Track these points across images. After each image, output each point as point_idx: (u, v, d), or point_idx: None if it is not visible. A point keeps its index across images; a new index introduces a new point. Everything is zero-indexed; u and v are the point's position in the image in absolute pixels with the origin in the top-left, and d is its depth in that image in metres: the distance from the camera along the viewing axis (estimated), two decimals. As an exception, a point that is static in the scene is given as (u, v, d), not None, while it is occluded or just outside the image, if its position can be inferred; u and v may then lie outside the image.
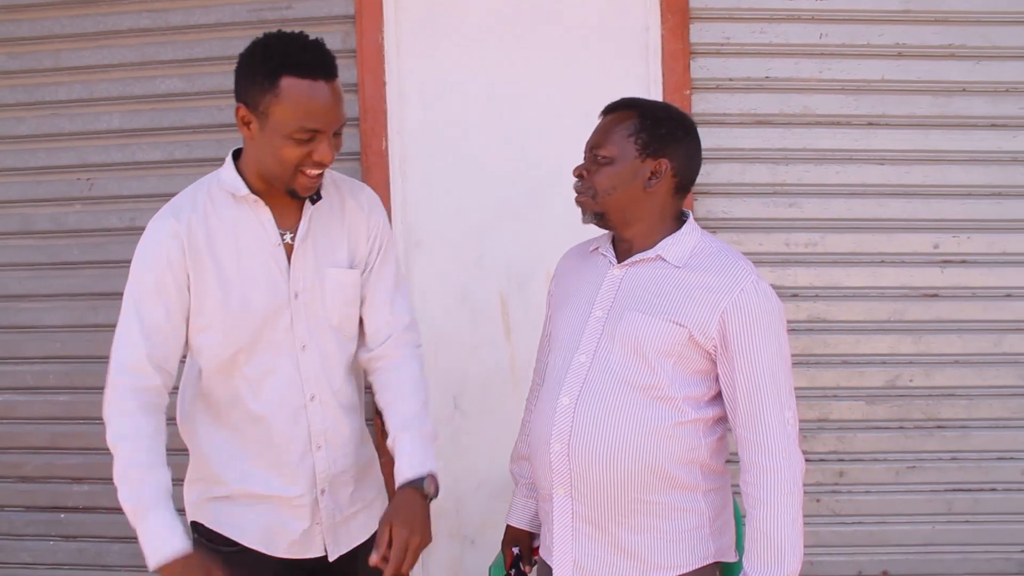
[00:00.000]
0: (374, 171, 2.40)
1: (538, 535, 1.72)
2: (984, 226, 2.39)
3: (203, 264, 1.52)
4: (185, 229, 1.52)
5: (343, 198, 1.64)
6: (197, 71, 2.45)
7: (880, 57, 2.35)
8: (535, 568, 1.76)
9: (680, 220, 1.59)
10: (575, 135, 1.62)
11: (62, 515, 2.58)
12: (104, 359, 2.47)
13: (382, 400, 1.68)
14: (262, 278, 1.54)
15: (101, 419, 2.54)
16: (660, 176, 1.52)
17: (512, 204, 2.41)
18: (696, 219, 2.31)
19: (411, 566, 1.49)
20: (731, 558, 1.57)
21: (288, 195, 1.53)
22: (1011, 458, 2.43)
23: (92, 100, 2.48)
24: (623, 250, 1.58)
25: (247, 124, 1.48)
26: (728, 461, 1.57)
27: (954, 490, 2.44)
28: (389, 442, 1.64)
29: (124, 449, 1.48)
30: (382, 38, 2.38)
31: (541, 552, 1.66)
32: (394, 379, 1.67)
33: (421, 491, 1.54)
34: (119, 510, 2.24)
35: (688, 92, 2.35)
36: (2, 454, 2.60)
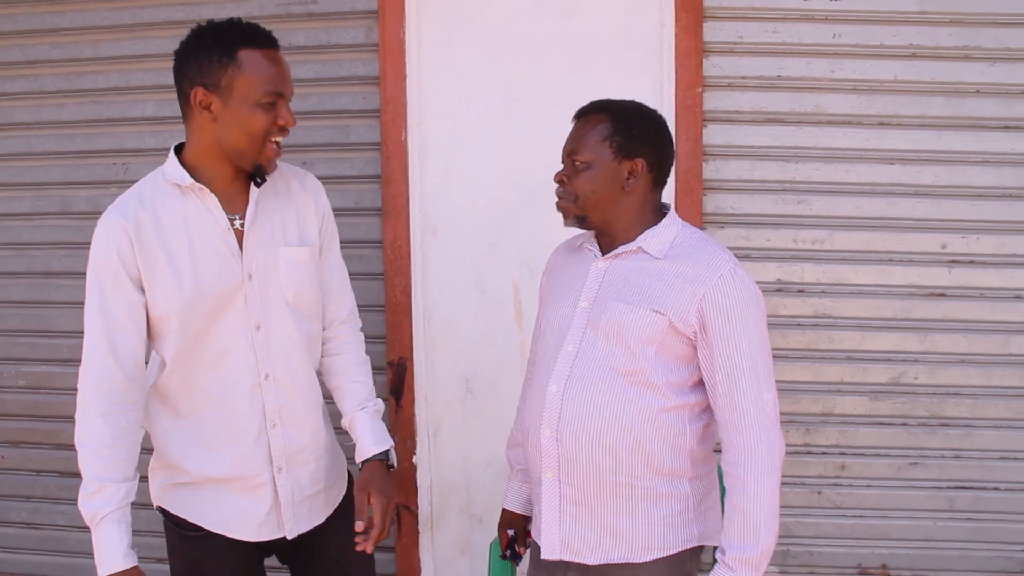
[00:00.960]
0: (393, 161, 2.47)
1: (531, 518, 1.78)
2: (994, 227, 2.38)
3: (154, 255, 1.53)
4: (133, 224, 1.53)
5: (287, 181, 1.68)
6: (228, 62, 2.53)
7: (893, 58, 2.34)
8: (528, 549, 1.83)
9: (660, 213, 1.64)
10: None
11: (94, 481, 2.70)
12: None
13: (332, 381, 1.77)
14: (215, 262, 1.56)
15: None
16: (637, 175, 1.57)
17: (525, 195, 2.45)
18: (706, 214, 2.40)
19: (388, 528, 1.63)
20: (716, 541, 1.61)
21: (253, 172, 1.57)
22: (1014, 458, 2.43)
23: (128, 89, 2.57)
24: (606, 244, 1.64)
25: (207, 107, 1.51)
26: (716, 450, 1.61)
27: (956, 487, 2.45)
28: (345, 421, 1.75)
29: (83, 456, 1.54)
30: (404, 33, 2.44)
31: (532, 533, 1.73)
32: (344, 362, 1.76)
33: (386, 463, 1.70)
34: (146, 478, 2.36)
35: (700, 90, 2.38)
36: (40, 422, 2.71)
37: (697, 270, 1.53)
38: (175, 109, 2.50)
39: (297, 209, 1.66)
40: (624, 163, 1.57)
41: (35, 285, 2.68)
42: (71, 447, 2.64)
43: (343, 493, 1.79)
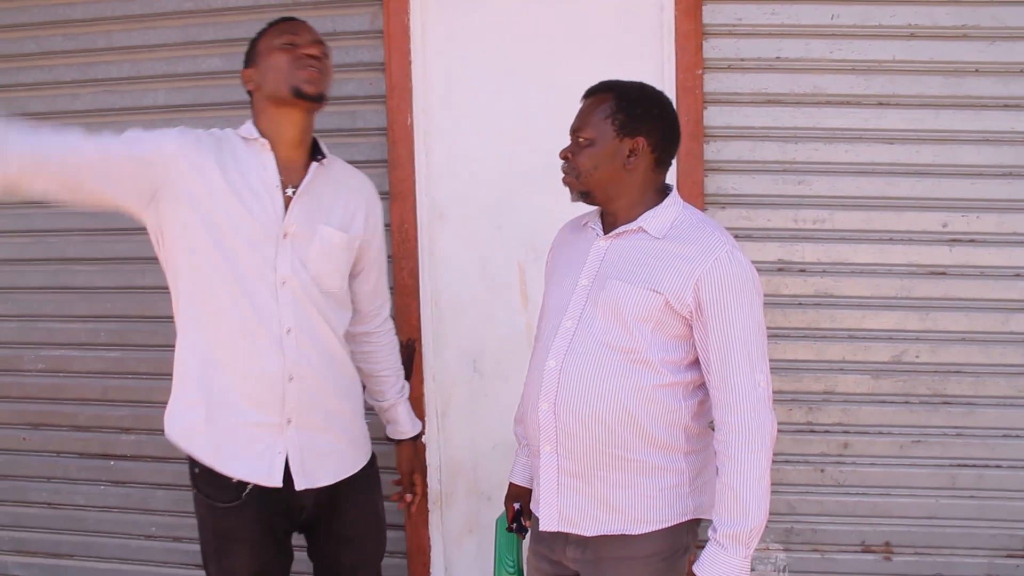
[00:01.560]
0: (400, 146, 2.50)
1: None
2: (994, 206, 2.37)
3: (209, 170, 1.67)
4: (208, 142, 1.71)
5: (348, 176, 1.86)
6: (237, 50, 2.49)
7: (891, 38, 2.34)
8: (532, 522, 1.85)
9: (663, 193, 1.66)
10: (590, 111, 1.69)
11: (111, 462, 2.76)
12: (152, 319, 2.66)
13: (375, 368, 1.97)
14: (257, 209, 1.69)
15: (148, 374, 2.71)
16: (638, 153, 1.60)
17: (530, 178, 2.48)
18: (706, 195, 2.42)
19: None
20: (710, 515, 1.63)
21: (296, 97, 1.68)
22: (1016, 436, 2.43)
23: (140, 78, 2.61)
24: (609, 223, 1.67)
25: (252, 79, 1.75)
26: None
27: (959, 465, 2.45)
28: (387, 405, 2.01)
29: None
30: (408, 20, 2.46)
31: (531, 505, 1.75)
32: (383, 355, 1.99)
33: (419, 443, 2.07)
34: (164, 459, 2.43)
35: (700, 72, 2.39)
36: (59, 404, 2.77)
37: (694, 251, 1.56)
38: (185, 97, 2.62)
39: (348, 200, 1.81)
40: (625, 141, 1.59)
41: (52, 271, 2.74)
42: (90, 428, 2.77)
43: (361, 464, 1.87)
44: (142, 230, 2.65)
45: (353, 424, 1.86)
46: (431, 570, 2.62)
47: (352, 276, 1.88)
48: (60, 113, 2.67)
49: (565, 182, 1.66)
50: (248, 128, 1.75)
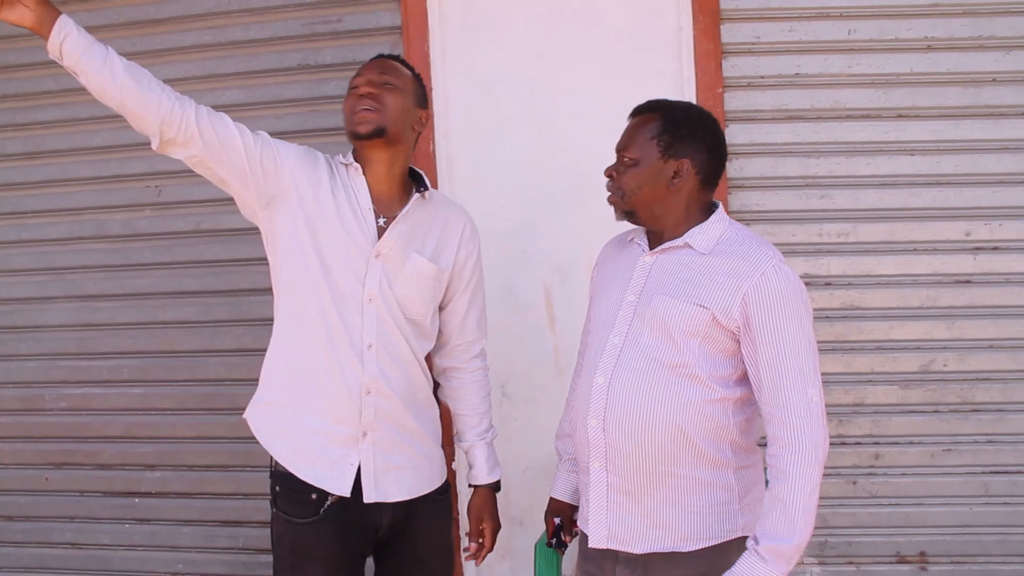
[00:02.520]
0: (424, 173, 2.46)
1: (578, 507, 1.77)
2: (1016, 213, 2.37)
3: (316, 192, 1.73)
4: (321, 161, 1.78)
5: (448, 212, 1.88)
6: (256, 83, 2.54)
7: (909, 51, 2.34)
8: (575, 539, 1.82)
9: (709, 211, 1.63)
10: (613, 133, 1.66)
11: (136, 500, 2.70)
12: (173, 354, 2.61)
13: (457, 406, 1.95)
14: (354, 227, 1.74)
15: (171, 410, 2.65)
16: (682, 175, 1.58)
17: (553, 200, 2.45)
18: (731, 212, 2.40)
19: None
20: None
21: (356, 139, 1.75)
22: (1047, 440, 2.41)
23: (160, 112, 2.58)
24: (655, 240, 1.64)
25: None
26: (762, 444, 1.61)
27: (991, 472, 2.42)
28: (464, 446, 1.95)
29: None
30: (428, 47, 2.45)
31: (579, 522, 1.72)
32: (471, 392, 1.95)
33: (495, 491, 1.95)
34: (189, 495, 2.36)
35: (720, 90, 2.38)
36: (81, 443, 2.72)
37: (741, 266, 1.53)
38: (205, 130, 2.57)
39: (443, 233, 1.84)
40: (670, 162, 1.57)
41: (73, 308, 2.69)
42: (113, 467, 2.70)
43: (436, 485, 1.87)
44: (162, 264, 2.67)
45: (427, 445, 1.86)
46: (464, 597, 2.57)
47: (441, 307, 1.89)
48: (78, 150, 2.64)
49: (610, 201, 1.64)
50: (347, 155, 1.81)
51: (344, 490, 1.73)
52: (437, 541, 1.90)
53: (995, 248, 2.38)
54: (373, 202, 1.76)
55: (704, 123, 1.61)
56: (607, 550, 1.62)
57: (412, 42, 2.44)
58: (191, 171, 2.54)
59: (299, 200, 1.72)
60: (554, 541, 1.84)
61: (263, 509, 1.81)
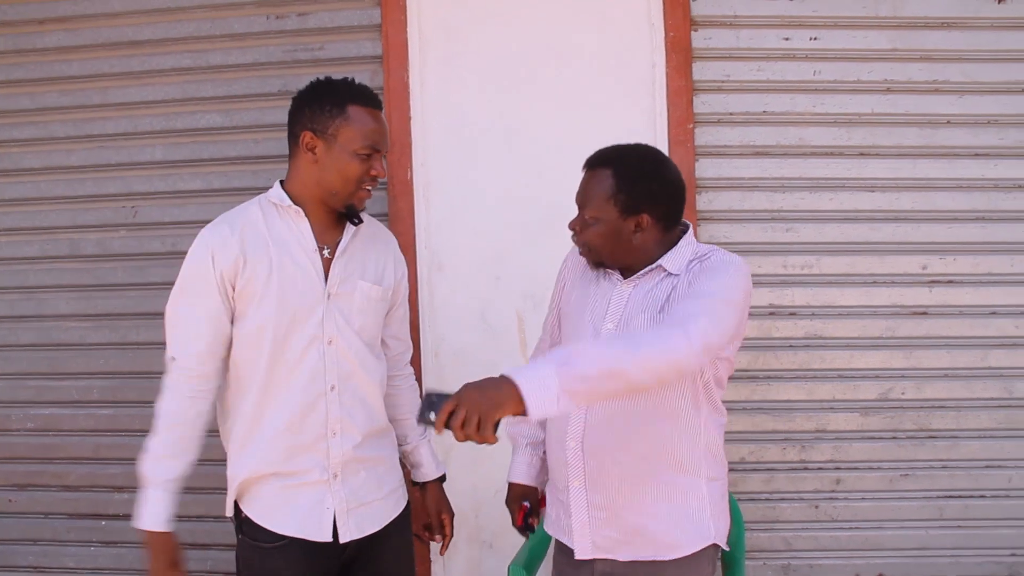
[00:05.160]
0: (400, 199, 2.42)
1: (540, 488, 1.81)
2: (969, 248, 2.40)
3: (254, 263, 1.63)
4: (238, 236, 1.64)
5: (375, 230, 1.82)
6: (235, 107, 2.47)
7: (869, 92, 2.37)
8: (541, 521, 1.83)
9: (679, 234, 1.62)
10: (586, 165, 1.64)
11: (103, 522, 2.58)
12: (145, 375, 2.50)
13: (396, 412, 1.90)
14: (300, 277, 1.66)
15: (142, 431, 2.53)
16: (644, 227, 1.57)
17: (527, 229, 2.42)
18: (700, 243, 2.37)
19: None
20: (724, 545, 1.63)
21: (343, 210, 1.67)
22: (999, 466, 2.42)
23: (137, 134, 2.50)
24: (627, 270, 1.63)
25: (311, 149, 1.64)
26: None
27: (945, 497, 2.43)
28: (409, 448, 1.91)
29: (161, 426, 1.63)
30: (407, 77, 2.41)
31: (555, 534, 1.70)
32: (408, 398, 1.93)
33: (442, 483, 1.95)
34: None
35: (691, 126, 2.37)
36: (48, 464, 2.59)
37: (707, 268, 1.54)
38: (183, 153, 2.50)
39: (380, 255, 1.79)
40: (629, 219, 1.56)
41: (44, 328, 2.58)
42: (79, 488, 2.58)
43: (401, 509, 1.83)
44: (136, 285, 2.56)
45: (391, 473, 1.83)
46: (435, 620, 2.48)
47: None
48: (54, 168, 2.54)
49: (580, 253, 1.64)
50: (279, 194, 1.69)
51: (325, 536, 1.68)
52: (401, 556, 1.86)
53: (950, 281, 2.40)
54: (315, 236, 1.68)
55: (658, 175, 1.58)
56: (589, 559, 1.62)
57: (392, 71, 2.40)
58: (167, 192, 2.53)
59: (241, 292, 1.63)
60: (523, 525, 1.82)
61: (232, 532, 1.73)
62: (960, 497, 2.42)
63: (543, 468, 1.83)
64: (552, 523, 1.71)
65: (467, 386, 1.31)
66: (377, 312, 1.76)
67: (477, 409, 1.27)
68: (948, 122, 2.37)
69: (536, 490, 1.82)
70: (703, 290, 1.48)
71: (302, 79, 2.40)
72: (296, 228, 1.67)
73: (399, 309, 1.86)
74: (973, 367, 2.41)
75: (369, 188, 1.67)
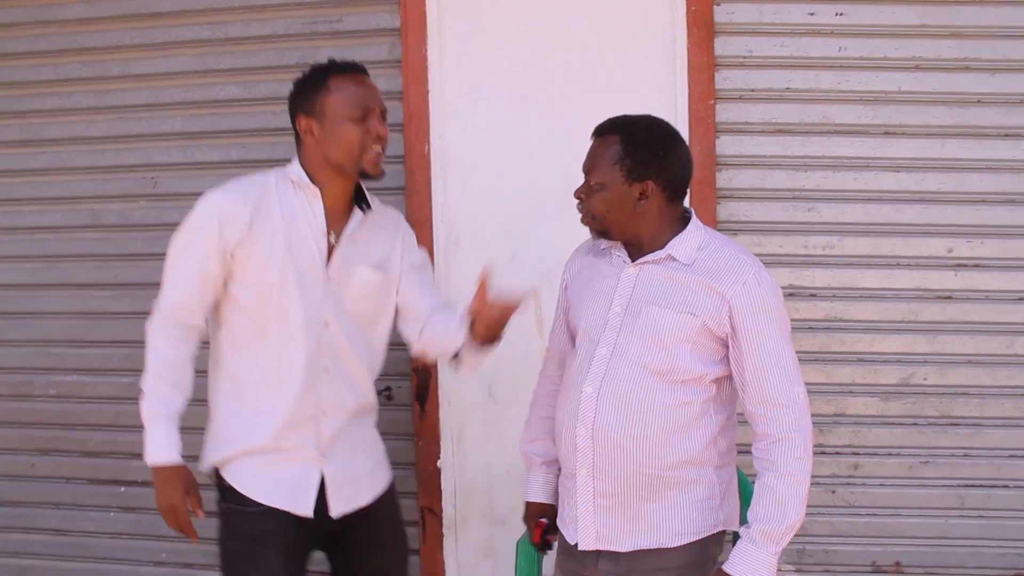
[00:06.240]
0: (417, 173, 2.39)
1: (557, 507, 1.76)
2: (997, 232, 2.30)
3: (260, 237, 1.63)
4: (250, 208, 1.63)
5: (383, 216, 1.81)
6: (254, 79, 2.45)
7: (897, 70, 2.28)
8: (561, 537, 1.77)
9: (684, 219, 1.60)
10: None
11: (122, 488, 2.59)
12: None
13: (432, 335, 1.78)
14: (305, 258, 1.65)
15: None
16: (648, 195, 1.54)
17: (544, 205, 2.38)
18: (719, 222, 2.34)
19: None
20: (735, 527, 1.61)
21: (359, 179, 1.66)
22: (1022, 456, 2.34)
23: (157, 105, 2.49)
24: (633, 251, 1.61)
25: (309, 131, 1.65)
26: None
27: (967, 486, 2.35)
28: (462, 318, 1.71)
29: (155, 364, 1.66)
30: (426, 50, 2.37)
31: (560, 525, 1.69)
32: (441, 319, 1.79)
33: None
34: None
35: (712, 102, 2.30)
36: (69, 430, 2.61)
37: (724, 275, 1.53)
38: (203, 124, 2.49)
39: (384, 240, 1.78)
40: (635, 185, 1.54)
41: (65, 296, 2.59)
42: (100, 455, 2.59)
43: (387, 482, 1.84)
44: (155, 255, 2.54)
45: (376, 446, 1.85)
46: (445, 594, 2.47)
47: (404, 313, 1.83)
48: (75, 139, 2.54)
49: (583, 222, 1.62)
50: (298, 171, 1.69)
51: (307, 511, 1.68)
52: (393, 527, 1.87)
53: (976, 265, 2.32)
54: (326, 218, 1.69)
55: (664, 142, 1.56)
56: (592, 550, 1.60)
57: (410, 44, 2.36)
58: (186, 163, 2.51)
59: (241, 254, 1.64)
60: (540, 543, 1.81)
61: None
62: (982, 486, 2.34)
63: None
64: (558, 516, 1.70)
65: None
66: (376, 297, 1.75)
67: None
68: (978, 101, 2.28)
69: (553, 507, 1.79)
70: (767, 355, 1.50)
71: (321, 51, 2.42)
72: (310, 208, 1.68)
73: (417, 287, 1.80)
74: (998, 354, 2.32)
75: (377, 150, 1.65)
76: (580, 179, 2.39)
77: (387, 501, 1.84)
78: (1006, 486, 2.34)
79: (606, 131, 1.58)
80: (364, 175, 1.67)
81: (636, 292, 1.57)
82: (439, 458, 2.45)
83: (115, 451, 2.59)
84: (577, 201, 1.60)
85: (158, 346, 1.67)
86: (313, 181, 1.67)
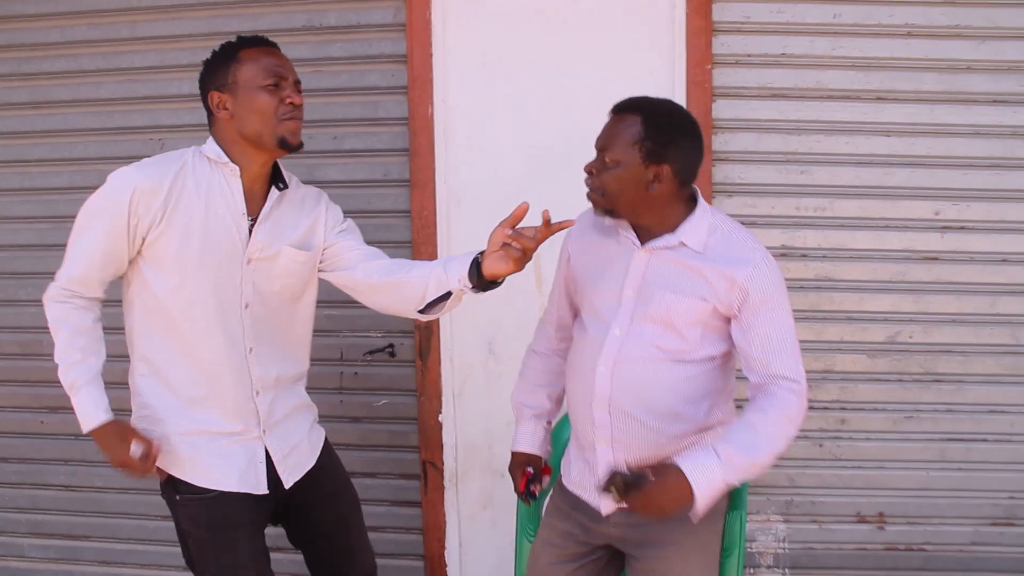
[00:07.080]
0: (420, 136, 2.42)
1: (543, 457, 1.83)
2: (983, 195, 2.37)
3: (176, 220, 1.58)
4: (165, 188, 1.57)
5: (301, 196, 1.76)
6: (261, 42, 2.46)
7: (890, 36, 2.33)
8: (543, 488, 1.85)
9: (692, 200, 1.62)
10: (605, 105, 1.62)
11: (131, 444, 2.63)
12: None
13: (393, 277, 1.71)
14: (223, 240, 1.62)
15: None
16: (662, 179, 1.54)
17: (545, 167, 2.42)
18: (714, 184, 2.38)
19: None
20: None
21: (278, 149, 1.60)
22: (1002, 411, 2.42)
23: (165, 67, 2.50)
24: (642, 233, 1.61)
25: (223, 106, 1.62)
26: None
27: (948, 439, 2.44)
28: (436, 272, 1.72)
29: (64, 334, 1.61)
30: (430, 13, 2.39)
31: (578, 492, 1.71)
32: (396, 263, 1.74)
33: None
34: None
35: (710, 67, 2.34)
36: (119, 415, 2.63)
37: (735, 260, 1.55)
38: (210, 85, 2.48)
39: (304, 219, 1.73)
40: (651, 167, 1.53)
41: (74, 256, 2.60)
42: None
43: (322, 439, 1.86)
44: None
45: (308, 409, 1.86)
46: (446, 545, 2.54)
47: (334, 265, 1.78)
48: (83, 101, 2.55)
49: (589, 198, 1.60)
50: (216, 150, 1.63)
51: (262, 488, 1.69)
52: (335, 472, 1.88)
53: (962, 228, 2.38)
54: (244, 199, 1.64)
55: (685, 128, 1.56)
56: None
57: (415, 8, 2.39)
58: (193, 125, 2.51)
59: (155, 233, 1.58)
60: (525, 491, 1.83)
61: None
62: (962, 440, 2.43)
63: (546, 438, 1.86)
64: (574, 482, 1.72)
65: (654, 489, 1.42)
66: (302, 272, 1.72)
67: (657, 506, 1.43)
68: (968, 68, 2.33)
69: (539, 458, 1.83)
70: (775, 335, 1.53)
71: (326, 15, 2.44)
72: (228, 187, 1.63)
73: (352, 249, 1.76)
74: (981, 313, 2.39)
75: (293, 118, 1.59)
76: (581, 141, 2.42)
77: (325, 452, 1.84)
78: (985, 440, 2.42)
79: (627, 110, 1.56)
80: (284, 144, 1.60)
81: (648, 277, 1.58)
82: (440, 413, 2.51)
83: (123, 408, 2.57)
84: (586, 175, 1.59)
85: (61, 317, 1.61)
86: (231, 160, 1.62)
